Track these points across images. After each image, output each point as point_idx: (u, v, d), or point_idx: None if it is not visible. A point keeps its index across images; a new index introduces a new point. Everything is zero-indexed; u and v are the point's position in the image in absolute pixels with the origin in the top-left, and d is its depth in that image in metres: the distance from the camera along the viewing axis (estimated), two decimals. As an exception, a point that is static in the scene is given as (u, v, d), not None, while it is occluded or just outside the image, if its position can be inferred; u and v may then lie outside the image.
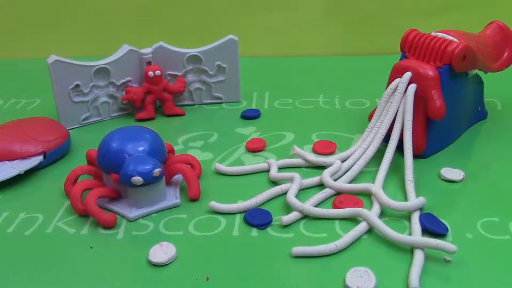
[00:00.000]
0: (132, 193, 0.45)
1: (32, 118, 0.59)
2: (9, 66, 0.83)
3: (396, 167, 0.50)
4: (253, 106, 0.65)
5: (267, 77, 0.75)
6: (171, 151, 0.52)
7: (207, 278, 0.38)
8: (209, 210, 0.46)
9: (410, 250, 0.40)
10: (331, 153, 0.54)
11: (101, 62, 0.60)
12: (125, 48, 0.62)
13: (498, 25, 0.58)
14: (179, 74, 0.64)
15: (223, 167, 0.51)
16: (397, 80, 0.51)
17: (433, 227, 0.42)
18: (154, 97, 0.63)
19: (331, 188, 0.47)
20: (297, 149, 0.53)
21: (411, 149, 0.49)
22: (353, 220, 0.44)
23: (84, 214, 0.45)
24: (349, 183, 0.49)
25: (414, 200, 0.44)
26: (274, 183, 0.49)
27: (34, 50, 0.85)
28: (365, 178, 0.50)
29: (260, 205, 0.46)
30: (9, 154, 0.51)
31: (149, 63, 0.62)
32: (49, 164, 0.54)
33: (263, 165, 0.51)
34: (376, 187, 0.46)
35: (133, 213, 0.45)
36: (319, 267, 0.39)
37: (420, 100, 0.50)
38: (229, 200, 0.46)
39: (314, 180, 0.49)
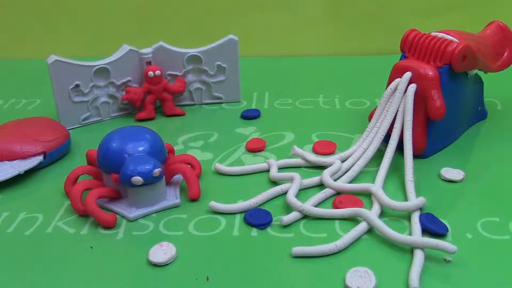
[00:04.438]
0: (132, 193, 0.45)
1: (32, 118, 0.59)
2: (9, 66, 0.83)
3: (396, 167, 0.50)
4: (253, 106, 0.65)
5: (267, 77, 0.75)
6: (171, 151, 0.52)
7: (207, 278, 0.38)
8: (209, 210, 0.46)
9: (410, 250, 0.40)
10: (331, 153, 0.54)
11: (101, 62, 0.60)
12: (125, 48, 0.62)
13: (498, 25, 0.58)
14: (179, 74, 0.64)
15: (223, 167, 0.51)
16: (397, 80, 0.51)
17: (433, 227, 0.42)
18: (154, 97, 0.63)
19: (331, 188, 0.47)
20: (297, 149, 0.53)
21: (411, 149, 0.49)
22: (353, 220, 0.44)
23: (84, 214, 0.45)
24: (349, 183, 0.49)
25: (414, 200, 0.44)
26: (274, 183, 0.49)
27: (34, 50, 0.85)
28: (365, 178, 0.50)
29: (260, 205, 0.46)
30: (9, 154, 0.51)
31: (149, 63, 0.62)
32: (49, 164, 0.54)
33: (263, 165, 0.51)
34: (376, 187, 0.46)
35: (133, 213, 0.45)
36: (319, 267, 0.39)
37: (420, 100, 0.50)
38: (229, 200, 0.46)
39: (314, 180, 0.49)
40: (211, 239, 0.43)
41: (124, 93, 0.62)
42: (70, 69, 0.59)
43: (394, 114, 0.51)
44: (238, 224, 0.44)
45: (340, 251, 0.40)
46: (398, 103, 0.51)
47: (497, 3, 0.81)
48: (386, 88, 0.52)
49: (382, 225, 0.42)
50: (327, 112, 0.64)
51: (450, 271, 0.38)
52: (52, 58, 0.58)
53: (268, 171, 0.51)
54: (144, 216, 0.45)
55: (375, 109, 0.54)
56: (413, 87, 0.50)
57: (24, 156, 0.52)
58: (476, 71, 0.54)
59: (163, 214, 0.46)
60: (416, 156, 0.51)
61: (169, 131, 0.60)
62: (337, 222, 0.44)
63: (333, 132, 0.58)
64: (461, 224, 0.43)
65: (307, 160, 0.52)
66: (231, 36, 0.63)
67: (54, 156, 0.54)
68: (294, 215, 0.44)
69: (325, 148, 0.54)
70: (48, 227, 0.45)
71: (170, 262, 0.40)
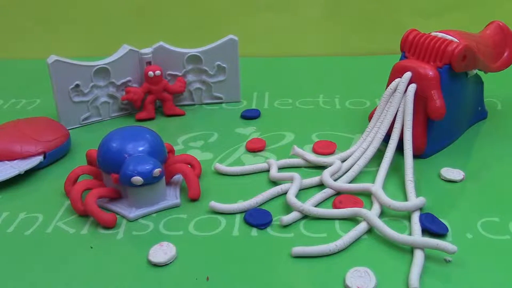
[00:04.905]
0: (132, 193, 0.45)
1: (32, 118, 0.59)
2: (9, 66, 0.83)
3: (396, 167, 0.50)
4: (253, 106, 0.65)
5: (267, 77, 0.75)
6: (171, 151, 0.52)
7: (207, 278, 0.38)
8: (209, 210, 0.46)
9: (410, 250, 0.40)
10: (331, 153, 0.54)
11: (101, 62, 0.60)
12: (125, 48, 0.62)
13: (498, 25, 0.58)
14: (179, 74, 0.64)
15: (223, 167, 0.51)
16: (397, 80, 0.51)
17: (433, 227, 0.42)
18: (154, 97, 0.63)
19: (331, 188, 0.47)
20: (297, 149, 0.53)
21: (411, 149, 0.49)
22: (353, 220, 0.44)
23: (84, 214, 0.45)
24: (349, 183, 0.49)
25: (414, 200, 0.44)
26: (274, 183, 0.49)
27: (34, 50, 0.85)
28: (365, 178, 0.50)
29: (260, 205, 0.46)
30: (9, 154, 0.51)
31: (149, 63, 0.62)
32: (49, 164, 0.54)
33: (263, 165, 0.51)
34: (376, 187, 0.46)
35: (133, 213, 0.45)
36: (319, 267, 0.39)
37: (420, 100, 0.50)
38: (229, 200, 0.46)
39: (314, 180, 0.49)
40: (211, 239, 0.43)
41: (124, 93, 0.62)
42: (70, 69, 0.59)
43: (394, 114, 0.51)
44: (238, 224, 0.44)
45: (340, 251, 0.40)
46: (398, 103, 0.51)
47: (497, 3, 0.81)
48: (386, 88, 0.52)
49: (382, 225, 0.42)
50: (327, 112, 0.64)
51: (450, 271, 0.38)
52: (52, 58, 0.58)
53: (268, 171, 0.51)
54: (144, 216, 0.45)
55: (375, 109, 0.54)
56: (413, 87, 0.50)
57: (24, 156, 0.52)
58: (476, 71, 0.54)
59: (163, 214, 0.46)
60: (416, 156, 0.51)
61: (169, 131, 0.60)
62: (337, 222, 0.44)
63: (333, 132, 0.58)
64: (461, 224, 0.43)
65: (307, 160, 0.52)
66: (231, 36, 0.63)
67: (54, 156, 0.54)
68: (294, 215, 0.44)
69: (325, 148, 0.54)
70: (48, 227, 0.45)
71: (170, 262, 0.40)
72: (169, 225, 0.44)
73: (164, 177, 0.47)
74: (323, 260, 0.40)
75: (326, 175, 0.48)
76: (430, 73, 0.50)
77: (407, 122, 0.50)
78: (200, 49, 0.63)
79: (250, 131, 0.60)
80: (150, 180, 0.44)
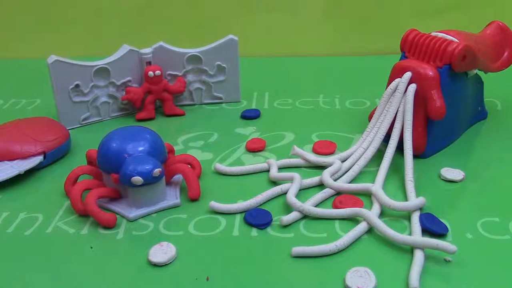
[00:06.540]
0: (132, 193, 0.45)
1: (32, 118, 0.59)
2: (9, 66, 0.83)
3: (396, 167, 0.50)
4: (253, 106, 0.65)
5: (267, 77, 0.75)
6: (171, 151, 0.52)
7: (207, 278, 0.38)
8: (209, 210, 0.46)
9: (410, 250, 0.40)
10: (331, 153, 0.54)
11: (101, 62, 0.60)
12: (125, 48, 0.62)
13: (498, 25, 0.58)
14: (179, 74, 0.64)
15: (223, 167, 0.51)
16: (397, 80, 0.51)
17: (433, 227, 0.42)
18: (154, 97, 0.63)
19: (331, 188, 0.47)
20: (297, 149, 0.53)
21: (411, 149, 0.49)
22: (353, 220, 0.44)
23: (84, 214, 0.45)
24: (349, 183, 0.49)
25: (414, 200, 0.44)
26: (274, 183, 0.49)
27: (34, 50, 0.85)
28: (365, 178, 0.50)
29: (260, 205, 0.46)
30: (9, 154, 0.51)
31: (149, 63, 0.62)
32: (49, 164, 0.54)
33: (263, 165, 0.51)
34: (376, 187, 0.46)
35: (133, 213, 0.45)
36: (319, 267, 0.39)
37: (420, 100, 0.50)
38: (229, 200, 0.46)
39: (314, 180, 0.49)
40: (211, 239, 0.43)
41: (124, 93, 0.62)
42: (70, 69, 0.59)
43: (394, 114, 0.51)
44: (238, 224, 0.44)
45: (340, 251, 0.40)
46: (398, 103, 0.51)
47: (497, 3, 0.81)
48: (386, 88, 0.52)
49: (382, 225, 0.42)
50: (327, 112, 0.64)
51: (450, 271, 0.38)
52: (52, 58, 0.58)
53: (268, 171, 0.51)
54: (144, 216, 0.45)
55: (375, 109, 0.54)
56: (413, 87, 0.50)
57: (24, 156, 0.52)
58: (476, 71, 0.54)
59: (163, 214, 0.46)
60: (416, 156, 0.51)
61: (169, 131, 0.60)
62: (337, 222, 0.44)
63: (333, 132, 0.58)
64: (461, 224, 0.43)
65: (307, 160, 0.52)
66: (231, 36, 0.63)
67: (54, 156, 0.54)
68: (294, 215, 0.44)
69: (325, 148, 0.54)
70: (48, 227, 0.45)
71: (170, 262, 0.40)
72: (169, 225, 0.44)
73: (164, 177, 0.47)
74: (323, 260, 0.40)
75: (326, 175, 0.48)
76: (430, 73, 0.50)
77: (407, 122, 0.50)
78: (200, 49, 0.63)
79: (250, 131, 0.60)
80: (150, 180, 0.44)
